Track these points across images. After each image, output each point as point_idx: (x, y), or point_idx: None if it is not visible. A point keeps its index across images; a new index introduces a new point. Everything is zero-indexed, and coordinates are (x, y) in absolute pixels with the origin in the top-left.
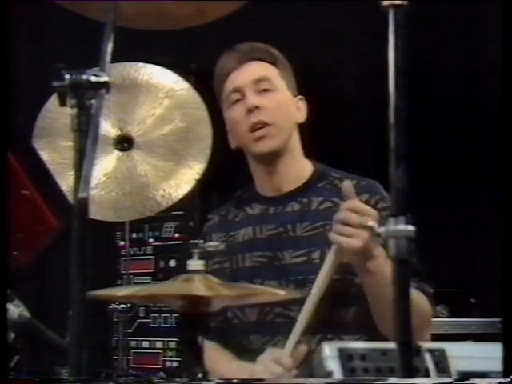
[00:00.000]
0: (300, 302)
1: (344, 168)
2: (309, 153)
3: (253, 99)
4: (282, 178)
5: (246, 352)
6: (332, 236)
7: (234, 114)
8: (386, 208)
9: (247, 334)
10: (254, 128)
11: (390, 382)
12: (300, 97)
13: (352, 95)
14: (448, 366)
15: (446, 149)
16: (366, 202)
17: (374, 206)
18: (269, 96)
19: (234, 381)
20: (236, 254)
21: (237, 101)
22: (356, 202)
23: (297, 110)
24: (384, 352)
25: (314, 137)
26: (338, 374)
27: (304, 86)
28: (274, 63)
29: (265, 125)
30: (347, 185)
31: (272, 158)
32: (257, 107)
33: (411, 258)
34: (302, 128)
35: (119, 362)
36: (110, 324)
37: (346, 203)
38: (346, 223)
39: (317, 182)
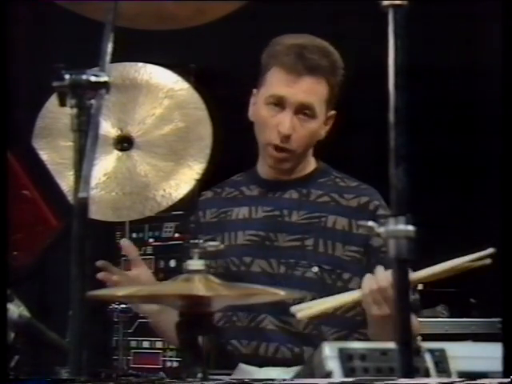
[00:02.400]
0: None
1: (343, 168)
2: (315, 152)
3: (289, 128)
4: (287, 170)
5: (233, 356)
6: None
7: (266, 115)
8: (383, 216)
9: (235, 337)
10: (276, 147)
11: (400, 381)
12: (333, 112)
13: (351, 95)
14: (448, 366)
15: (445, 148)
16: (365, 205)
17: (372, 211)
18: (304, 124)
19: (247, 380)
20: (228, 231)
21: (274, 104)
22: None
23: (324, 126)
24: (384, 352)
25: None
26: (338, 374)
27: None
28: (328, 73)
29: (287, 151)
30: None
31: (282, 161)
32: (288, 137)
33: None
34: None
35: (119, 362)
36: (110, 324)
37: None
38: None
39: (318, 177)
